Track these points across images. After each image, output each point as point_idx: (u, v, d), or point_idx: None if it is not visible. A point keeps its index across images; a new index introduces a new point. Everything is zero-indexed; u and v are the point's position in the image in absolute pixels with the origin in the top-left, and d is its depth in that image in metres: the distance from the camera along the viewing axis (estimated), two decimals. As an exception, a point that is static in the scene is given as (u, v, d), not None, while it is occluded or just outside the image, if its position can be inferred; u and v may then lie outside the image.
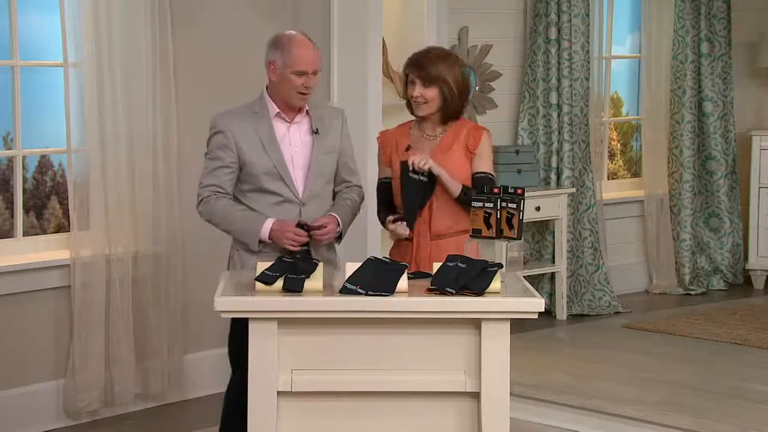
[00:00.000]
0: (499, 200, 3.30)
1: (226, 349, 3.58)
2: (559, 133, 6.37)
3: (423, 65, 3.46)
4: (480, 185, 3.40)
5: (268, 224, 3.39)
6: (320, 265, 3.14)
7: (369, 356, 3.06)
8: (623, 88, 7.20)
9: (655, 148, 6.90)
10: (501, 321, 3.02)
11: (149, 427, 4.58)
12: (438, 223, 3.53)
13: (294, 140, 3.51)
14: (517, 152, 6.19)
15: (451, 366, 3.05)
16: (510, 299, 3.04)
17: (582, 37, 6.40)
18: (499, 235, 3.31)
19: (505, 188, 3.34)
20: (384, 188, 3.64)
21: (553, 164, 6.36)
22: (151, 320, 4.73)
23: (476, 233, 3.35)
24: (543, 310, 3.09)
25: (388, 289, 3.04)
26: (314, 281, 3.07)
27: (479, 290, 3.03)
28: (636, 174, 7.12)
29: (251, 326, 3.03)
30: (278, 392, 3.04)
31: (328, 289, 3.10)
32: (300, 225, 3.36)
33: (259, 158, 3.46)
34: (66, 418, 4.56)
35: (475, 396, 3.05)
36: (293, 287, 3.05)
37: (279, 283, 3.05)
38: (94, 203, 4.55)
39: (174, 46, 4.76)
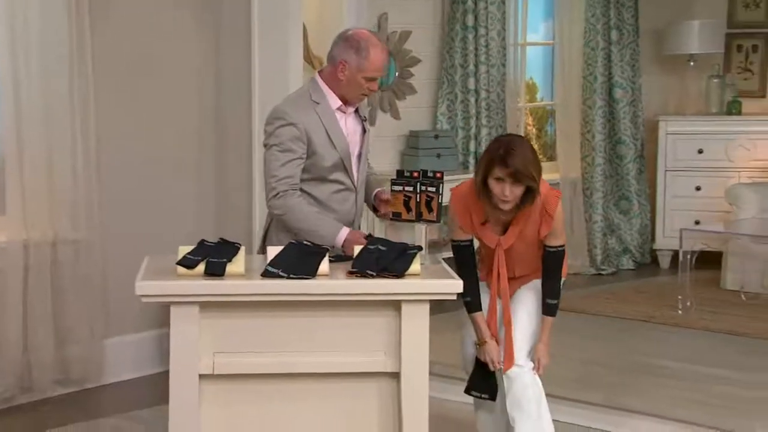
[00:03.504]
0: (418, 184, 3.30)
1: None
2: (477, 118, 6.41)
3: (511, 164, 3.21)
4: (553, 263, 3.40)
5: (343, 234, 3.33)
6: (242, 249, 3.09)
7: (291, 338, 3.03)
8: (538, 74, 7.27)
9: (569, 133, 6.99)
10: (420, 302, 3.03)
11: (68, 411, 4.49)
12: (517, 272, 3.48)
13: (350, 130, 3.46)
14: (437, 137, 6.22)
15: (371, 347, 3.05)
16: (429, 281, 3.05)
17: (498, 24, 6.44)
18: (419, 218, 3.31)
19: (425, 172, 3.34)
20: (466, 251, 3.44)
21: (472, 148, 6.41)
22: (70, 306, 4.63)
23: (396, 216, 3.34)
24: (461, 291, 3.10)
25: (310, 272, 3.01)
26: (236, 265, 3.03)
27: (399, 272, 3.03)
28: (551, 158, 7.20)
29: (173, 310, 2.98)
30: (200, 375, 2.99)
31: (249, 272, 3.06)
32: (368, 237, 3.31)
33: (327, 151, 3.38)
34: (-19, 404, 4.45)
35: (395, 376, 3.06)
36: (215, 271, 3.00)
37: (200, 267, 3.00)
38: (10, 188, 4.42)
39: (92, 32, 4.64)
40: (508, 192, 3.25)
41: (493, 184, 3.27)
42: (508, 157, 3.23)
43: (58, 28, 4.50)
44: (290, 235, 3.34)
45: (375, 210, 3.57)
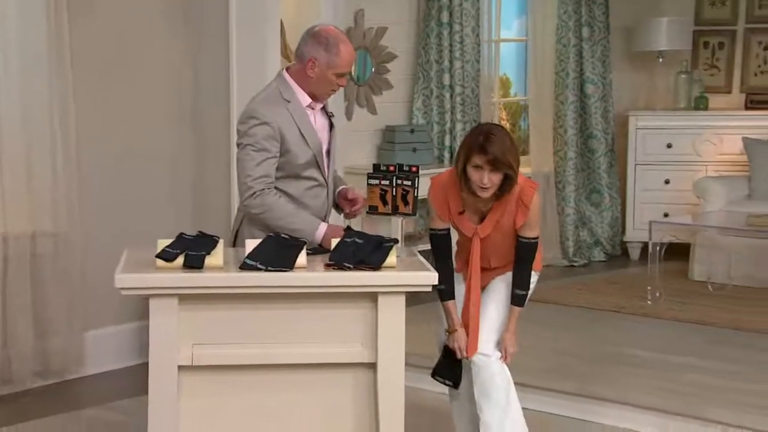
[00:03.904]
0: (394, 178, 3.29)
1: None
2: (452, 112, 6.41)
3: (490, 151, 3.21)
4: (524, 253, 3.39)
5: (322, 229, 3.31)
6: (220, 242, 3.08)
7: (269, 330, 3.02)
8: (511, 70, 7.28)
9: (542, 128, 7.01)
10: (396, 294, 3.02)
11: (48, 403, 4.45)
12: (493, 262, 3.47)
13: (319, 127, 3.43)
14: (412, 131, 6.21)
15: (348, 338, 3.04)
16: (405, 273, 3.04)
17: (472, 21, 6.44)
18: (395, 211, 3.31)
19: (400, 166, 3.33)
20: (442, 239, 3.43)
21: (447, 143, 6.41)
22: (50, 298, 4.59)
23: (373, 210, 3.34)
24: (437, 283, 3.10)
25: (288, 264, 3.00)
26: (214, 258, 3.01)
27: (376, 265, 3.02)
28: (524, 152, 7.21)
29: (152, 302, 2.96)
30: (179, 367, 2.98)
31: (228, 265, 3.04)
32: (346, 229, 3.29)
33: (300, 148, 3.35)
34: (-38, 397, 4.41)
35: (372, 366, 3.05)
36: (193, 263, 2.98)
37: (179, 260, 2.98)
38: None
39: (70, 29, 4.60)
40: (486, 179, 3.24)
41: (471, 171, 3.25)
42: (487, 144, 3.22)
43: (37, 26, 4.45)
44: (264, 233, 3.30)
45: (337, 207, 3.54)
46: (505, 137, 3.28)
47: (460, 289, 3.48)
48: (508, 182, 3.28)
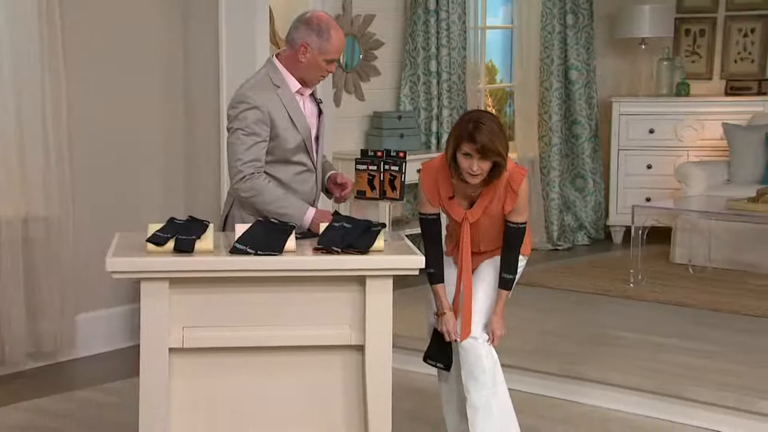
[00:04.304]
0: (382, 163, 3.28)
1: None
2: (439, 99, 6.40)
3: (478, 139, 3.20)
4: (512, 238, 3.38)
5: (310, 214, 3.29)
6: (210, 227, 3.06)
7: (258, 313, 3.01)
8: (497, 57, 7.27)
9: (527, 114, 7.00)
10: (384, 278, 3.01)
11: (41, 384, 4.44)
12: (482, 247, 3.46)
13: (308, 113, 3.42)
14: (400, 117, 6.19)
15: (337, 321, 3.04)
16: (392, 257, 3.04)
17: (459, 8, 6.42)
18: (383, 196, 3.30)
19: (388, 152, 3.32)
20: (432, 224, 3.41)
21: (434, 128, 6.39)
22: (42, 282, 4.57)
23: (360, 195, 3.33)
24: (425, 267, 3.10)
25: (277, 248, 2.99)
26: (204, 242, 3.00)
27: (364, 248, 3.01)
28: (510, 137, 7.20)
29: (143, 286, 2.95)
30: (170, 349, 2.97)
31: (218, 249, 3.03)
32: (334, 214, 3.27)
33: (290, 133, 3.33)
34: (-44, 378, 4.39)
35: (360, 349, 3.05)
36: (184, 248, 2.97)
37: (170, 244, 2.97)
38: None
39: (61, 14, 4.55)
40: (476, 167, 3.23)
41: (461, 159, 3.25)
42: (476, 133, 3.20)
43: (29, 5, 4.39)
44: (254, 216, 3.29)
45: (327, 192, 3.54)
46: (494, 125, 3.26)
47: (451, 272, 3.47)
48: (497, 169, 3.27)
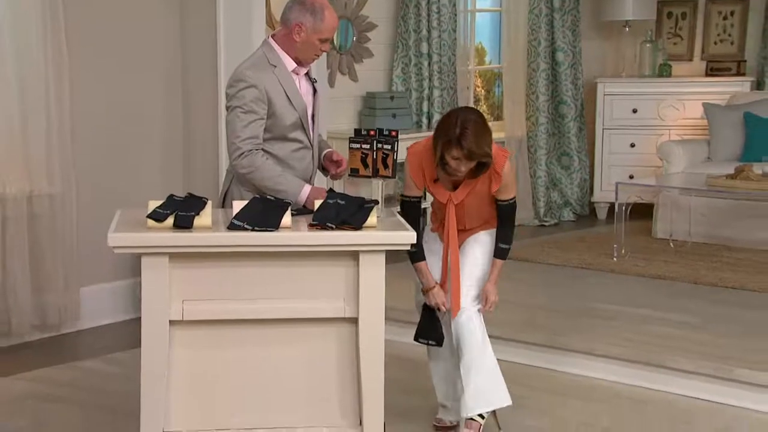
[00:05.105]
0: (375, 142, 3.26)
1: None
2: (430, 80, 6.37)
3: (465, 146, 3.20)
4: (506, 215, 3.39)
5: (306, 191, 3.28)
6: (209, 203, 3.04)
7: (255, 287, 3.00)
8: (486, 39, 7.23)
9: (515, 94, 6.98)
10: (377, 253, 3.01)
11: (46, 355, 4.44)
12: (468, 225, 3.45)
13: (303, 91, 3.40)
14: (392, 98, 6.17)
15: (331, 294, 3.03)
16: (385, 233, 3.03)
17: (449, -8, 6.37)
18: (375, 174, 3.28)
19: (381, 131, 3.30)
20: (413, 207, 3.43)
21: (425, 108, 6.37)
22: (47, 256, 4.56)
23: (354, 172, 3.31)
24: (415, 242, 3.09)
25: (273, 224, 2.98)
26: (203, 218, 2.98)
27: (357, 225, 3.00)
28: (498, 117, 7.20)
29: (144, 260, 2.93)
30: (170, 321, 2.96)
31: (216, 225, 3.01)
32: (329, 191, 3.24)
33: (287, 111, 3.32)
34: (-36, 349, 4.39)
35: (354, 321, 3.04)
36: (183, 224, 2.95)
37: (170, 220, 2.95)
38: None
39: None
40: (463, 168, 3.28)
41: (449, 160, 3.28)
42: (462, 139, 3.22)
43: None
44: (252, 193, 3.28)
45: (323, 169, 3.53)
46: (478, 125, 3.26)
47: (437, 248, 3.47)
48: (483, 166, 3.30)
